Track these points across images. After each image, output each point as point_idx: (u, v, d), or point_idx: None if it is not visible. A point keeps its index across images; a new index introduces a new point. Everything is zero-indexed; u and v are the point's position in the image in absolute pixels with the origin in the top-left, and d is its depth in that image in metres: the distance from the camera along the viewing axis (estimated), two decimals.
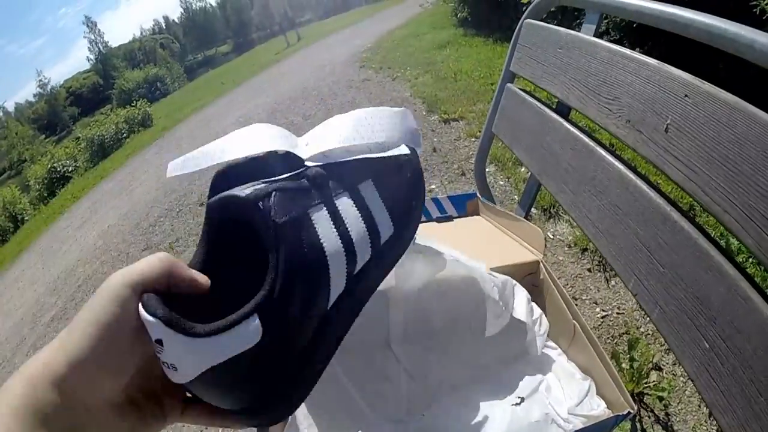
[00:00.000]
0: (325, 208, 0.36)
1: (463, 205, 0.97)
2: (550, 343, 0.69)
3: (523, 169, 2.46)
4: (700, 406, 1.22)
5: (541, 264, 0.75)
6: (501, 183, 2.49)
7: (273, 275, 0.31)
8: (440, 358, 0.67)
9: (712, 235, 0.52)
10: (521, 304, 0.66)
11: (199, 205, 3.83)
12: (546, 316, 0.71)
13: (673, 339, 0.56)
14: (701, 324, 0.51)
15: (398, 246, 0.43)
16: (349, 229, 0.37)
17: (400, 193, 0.42)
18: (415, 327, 0.68)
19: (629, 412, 0.53)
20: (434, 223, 0.95)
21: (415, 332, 0.68)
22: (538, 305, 0.72)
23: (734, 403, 0.47)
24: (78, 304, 3.43)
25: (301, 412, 0.60)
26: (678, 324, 0.55)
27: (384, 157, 0.41)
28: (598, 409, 0.58)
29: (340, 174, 0.39)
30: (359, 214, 0.38)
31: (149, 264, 0.32)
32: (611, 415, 0.55)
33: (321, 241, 0.35)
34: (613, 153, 0.70)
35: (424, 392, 0.64)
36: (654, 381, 1.28)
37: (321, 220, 0.35)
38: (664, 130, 0.58)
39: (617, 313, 1.55)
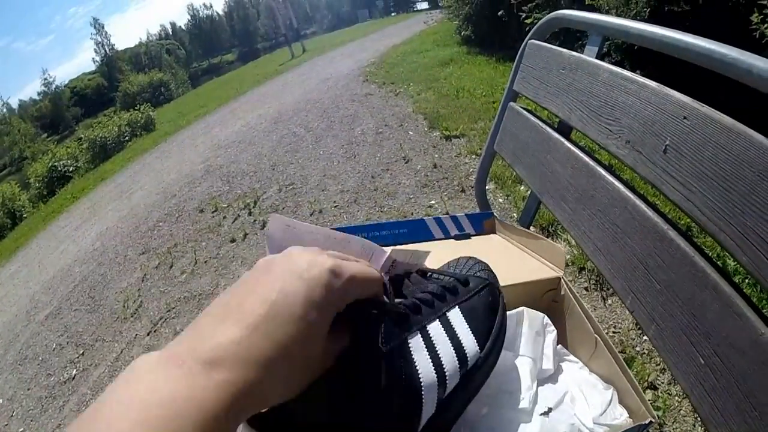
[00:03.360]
0: (419, 335, 0.37)
1: (481, 224, 0.97)
2: (572, 357, 0.70)
3: (522, 187, 2.48)
4: (695, 425, 1.23)
5: (562, 280, 0.76)
6: (500, 200, 2.51)
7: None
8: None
9: (710, 256, 0.54)
10: (549, 346, 0.68)
11: (199, 212, 3.83)
12: (567, 329, 0.72)
13: (669, 355, 0.57)
14: (696, 340, 0.52)
15: (485, 367, 0.44)
16: (440, 355, 0.38)
17: (482, 316, 0.44)
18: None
19: (651, 422, 0.55)
20: (452, 241, 0.96)
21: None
22: (560, 320, 0.73)
23: (729, 418, 0.48)
24: (73, 303, 3.42)
25: None
26: (674, 340, 0.56)
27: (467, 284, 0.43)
28: (621, 418, 0.59)
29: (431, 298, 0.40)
30: (449, 340, 0.39)
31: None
32: (633, 424, 0.56)
33: (418, 371, 0.35)
34: (612, 173, 0.71)
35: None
36: (649, 400, 1.28)
37: (418, 348, 0.36)
38: (663, 150, 0.59)
39: (613, 332, 1.56)
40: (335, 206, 3.02)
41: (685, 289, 0.55)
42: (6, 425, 2.54)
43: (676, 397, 1.30)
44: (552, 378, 0.66)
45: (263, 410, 0.29)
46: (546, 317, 0.71)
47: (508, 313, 0.71)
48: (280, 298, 0.29)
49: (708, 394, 0.51)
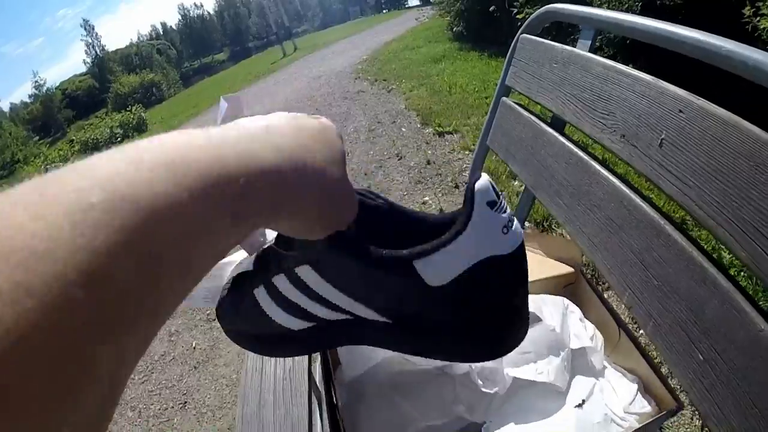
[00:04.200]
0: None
1: None
2: (598, 349, 0.71)
3: (516, 183, 2.47)
4: (692, 419, 1.23)
5: (580, 274, 0.76)
6: None
7: None
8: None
9: (708, 251, 0.53)
10: (575, 324, 0.68)
11: None
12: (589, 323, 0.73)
13: (667, 352, 0.56)
14: (695, 336, 0.52)
15: None
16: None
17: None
18: None
19: (678, 408, 0.55)
20: None
21: None
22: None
23: (729, 414, 0.48)
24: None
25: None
26: (672, 336, 0.55)
27: None
28: (648, 406, 0.61)
29: None
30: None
31: None
32: (662, 412, 0.57)
33: None
34: (607, 167, 0.71)
35: (485, 399, 0.65)
36: None
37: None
38: (658, 144, 0.58)
39: None
40: None
41: (683, 285, 0.54)
42: None
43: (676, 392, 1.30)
44: (581, 369, 0.67)
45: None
46: (566, 299, 0.72)
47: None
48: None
49: (707, 390, 0.50)
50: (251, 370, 0.77)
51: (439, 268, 0.30)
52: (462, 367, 0.65)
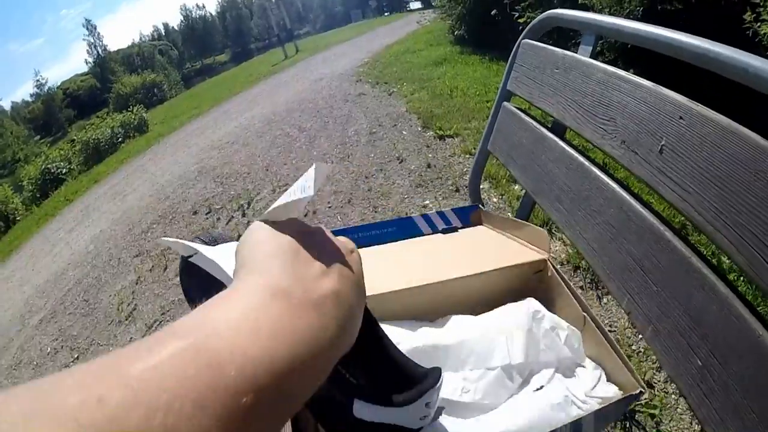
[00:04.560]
0: None
1: (467, 217, 0.99)
2: (563, 339, 0.71)
3: (516, 186, 2.48)
4: (691, 423, 1.23)
5: (548, 261, 0.77)
6: (495, 200, 2.51)
7: None
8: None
9: (707, 257, 0.53)
10: (546, 336, 0.69)
11: (192, 213, 3.81)
12: (556, 310, 0.73)
13: (666, 357, 0.56)
14: (694, 342, 0.52)
15: None
16: None
17: None
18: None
19: (641, 392, 0.56)
20: (440, 235, 0.98)
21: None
22: (548, 300, 0.75)
23: (726, 419, 0.48)
24: (67, 307, 3.39)
25: None
26: (671, 342, 0.55)
27: None
28: (610, 392, 0.61)
29: None
30: None
31: None
32: (624, 395, 0.57)
33: None
34: (607, 173, 0.71)
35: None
36: (646, 399, 1.29)
37: None
38: (658, 151, 0.59)
39: (609, 331, 1.55)
40: (329, 207, 3.01)
41: (682, 291, 0.54)
42: None
43: (673, 395, 1.30)
44: (543, 362, 0.67)
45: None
46: (534, 303, 0.72)
47: (494, 311, 0.72)
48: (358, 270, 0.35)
49: (706, 396, 0.51)
50: None
51: (367, 413, 0.43)
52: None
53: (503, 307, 0.74)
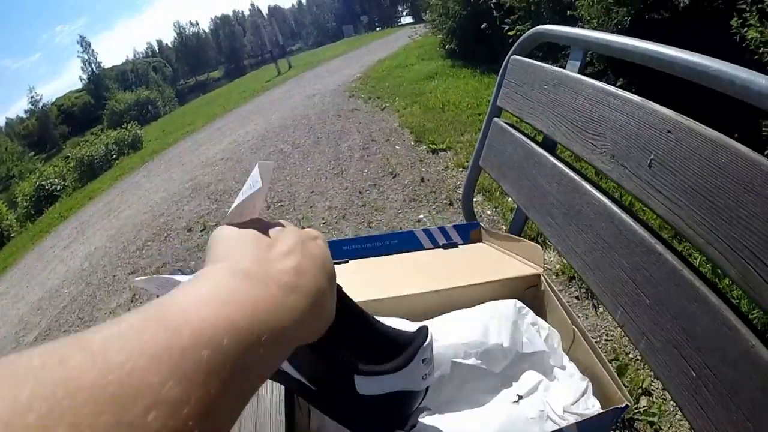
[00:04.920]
0: None
1: (468, 234, 1.00)
2: (553, 347, 0.71)
3: (510, 199, 2.48)
4: (690, 430, 1.22)
5: (541, 276, 0.78)
6: (488, 213, 2.51)
7: None
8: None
9: (698, 269, 0.53)
10: (528, 330, 0.69)
11: (187, 231, 3.80)
12: (548, 324, 0.74)
13: (661, 369, 0.56)
14: (688, 354, 0.52)
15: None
16: None
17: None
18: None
19: (626, 405, 0.56)
20: (441, 249, 0.99)
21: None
22: (540, 314, 0.75)
23: (722, 430, 0.48)
24: (62, 324, 3.36)
25: None
26: (665, 354, 0.55)
27: None
28: (592, 408, 0.60)
29: None
30: None
31: None
32: (609, 408, 0.57)
33: None
34: (598, 187, 0.72)
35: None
36: (644, 406, 1.29)
37: None
38: (648, 165, 0.59)
39: (606, 340, 1.55)
40: (324, 223, 3.00)
41: (674, 303, 0.54)
42: None
43: (671, 403, 1.29)
44: (529, 366, 0.68)
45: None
46: (518, 302, 0.73)
47: (477, 307, 0.73)
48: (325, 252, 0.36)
49: (701, 406, 0.51)
50: None
51: (370, 387, 0.43)
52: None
53: (489, 303, 0.74)
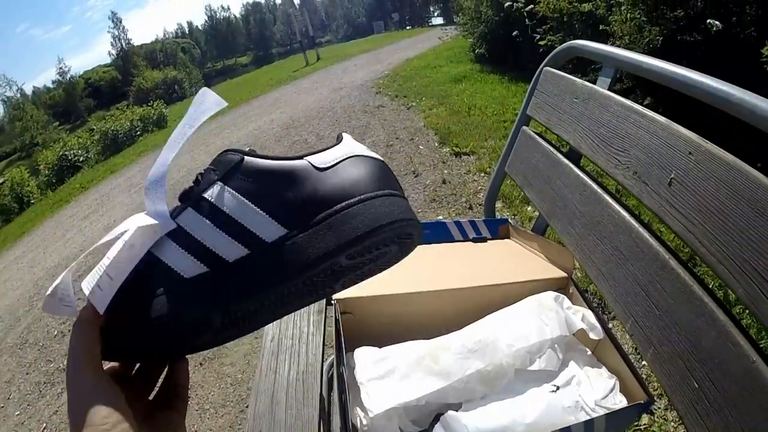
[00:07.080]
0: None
1: (497, 229, 1.05)
2: (581, 346, 0.76)
3: (529, 208, 2.50)
4: None
5: (570, 279, 0.82)
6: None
7: None
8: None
9: (708, 285, 0.57)
10: (569, 311, 0.76)
11: None
12: None
13: (665, 378, 0.60)
14: (692, 365, 0.55)
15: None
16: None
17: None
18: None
19: (649, 401, 0.61)
20: (470, 243, 1.04)
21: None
22: None
23: None
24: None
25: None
26: (670, 364, 0.59)
27: None
28: (620, 404, 0.66)
29: None
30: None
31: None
32: (633, 403, 0.63)
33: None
34: (618, 200, 0.74)
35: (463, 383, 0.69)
36: (645, 424, 1.31)
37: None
38: (668, 183, 0.62)
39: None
40: None
41: (683, 317, 0.57)
42: (2, 407, 2.57)
43: (672, 423, 1.31)
44: (563, 362, 0.73)
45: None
46: (554, 292, 0.78)
47: (521, 306, 0.77)
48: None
49: (701, 417, 0.54)
50: (265, 369, 0.81)
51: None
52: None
53: (529, 299, 0.79)
